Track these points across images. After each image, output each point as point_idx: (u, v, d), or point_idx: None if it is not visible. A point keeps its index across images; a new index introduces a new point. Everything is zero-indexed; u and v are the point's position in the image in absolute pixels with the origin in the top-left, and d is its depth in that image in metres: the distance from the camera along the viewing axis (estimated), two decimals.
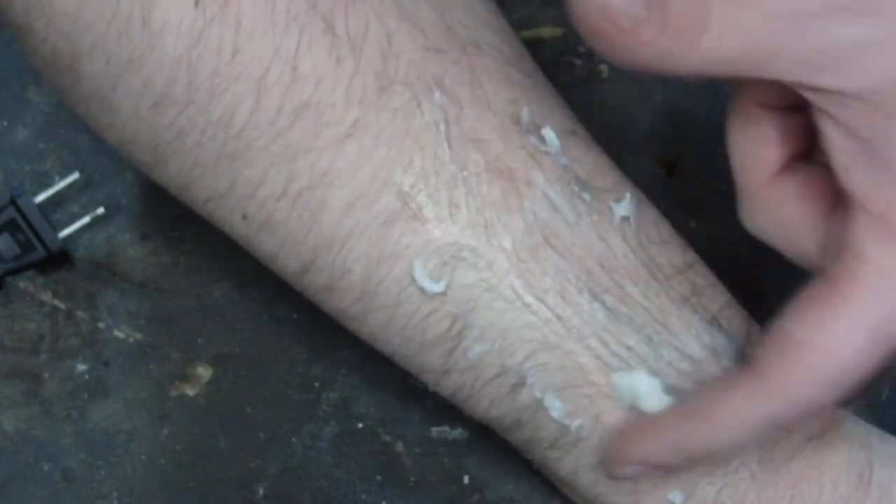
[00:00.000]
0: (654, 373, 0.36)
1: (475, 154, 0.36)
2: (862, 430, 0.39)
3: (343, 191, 0.35)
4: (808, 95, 0.30)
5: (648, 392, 0.36)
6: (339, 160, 0.35)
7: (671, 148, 0.48)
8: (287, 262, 0.38)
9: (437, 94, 0.36)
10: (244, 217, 0.37)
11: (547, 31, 0.49)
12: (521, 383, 0.37)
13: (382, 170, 0.35)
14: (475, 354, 0.37)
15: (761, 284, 0.47)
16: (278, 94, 0.35)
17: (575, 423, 0.37)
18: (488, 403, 0.38)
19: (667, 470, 0.36)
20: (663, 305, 0.37)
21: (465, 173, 0.36)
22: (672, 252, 0.38)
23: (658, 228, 0.38)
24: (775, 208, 0.34)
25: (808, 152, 0.34)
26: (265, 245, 0.38)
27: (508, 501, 0.44)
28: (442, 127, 0.36)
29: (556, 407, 0.37)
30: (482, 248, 0.36)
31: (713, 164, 0.48)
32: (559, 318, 0.36)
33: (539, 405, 0.37)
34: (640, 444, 0.35)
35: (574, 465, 0.38)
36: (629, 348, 0.36)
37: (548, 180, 0.36)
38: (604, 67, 0.49)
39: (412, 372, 0.39)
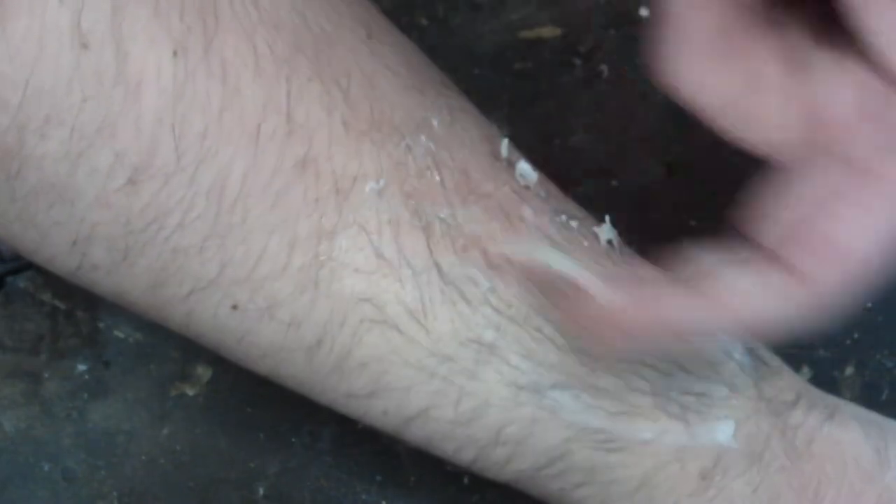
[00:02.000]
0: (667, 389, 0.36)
1: (471, 196, 0.35)
2: (866, 412, 0.39)
3: (349, 253, 0.33)
4: None
5: None
6: (342, 220, 0.33)
7: (671, 148, 0.48)
8: (290, 351, 0.34)
9: (423, 138, 0.34)
10: (234, 307, 0.33)
11: (547, 31, 0.49)
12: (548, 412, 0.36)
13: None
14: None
15: None
16: (274, 151, 0.31)
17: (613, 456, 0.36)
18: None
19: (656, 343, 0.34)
20: None
21: (465, 216, 0.34)
22: (647, 266, 0.38)
23: (629, 250, 0.38)
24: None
25: None
26: (262, 336, 0.34)
27: (508, 501, 0.44)
28: (435, 172, 0.34)
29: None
30: (490, 296, 0.34)
31: (713, 164, 0.48)
32: (579, 350, 0.35)
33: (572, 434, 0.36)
34: (638, 319, 0.32)
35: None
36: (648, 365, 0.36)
37: (535, 213, 0.35)
38: (604, 67, 0.49)
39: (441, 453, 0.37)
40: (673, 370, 0.36)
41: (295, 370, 0.35)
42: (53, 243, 0.32)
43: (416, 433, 0.36)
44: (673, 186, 0.48)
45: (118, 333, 0.47)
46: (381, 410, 0.35)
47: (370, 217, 0.33)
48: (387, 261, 0.33)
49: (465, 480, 0.44)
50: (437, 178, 0.34)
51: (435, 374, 0.34)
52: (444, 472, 0.44)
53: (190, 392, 0.46)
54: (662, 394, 0.36)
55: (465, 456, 0.37)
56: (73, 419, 0.45)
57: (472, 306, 0.34)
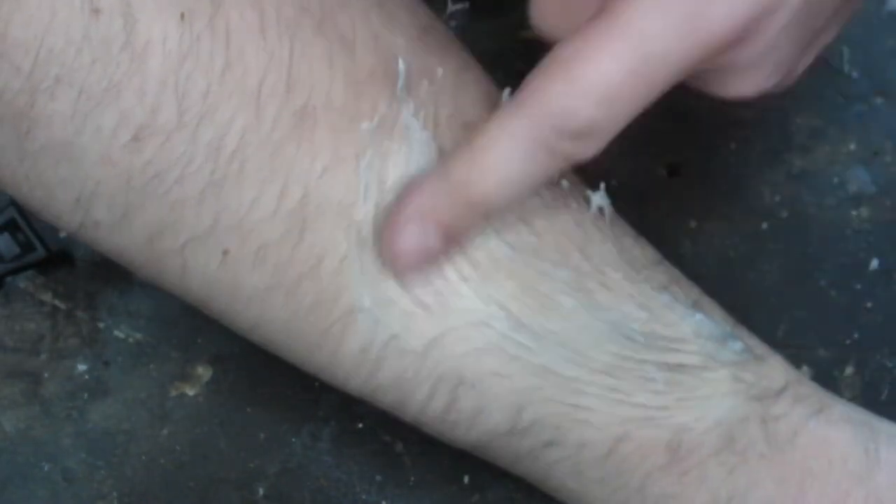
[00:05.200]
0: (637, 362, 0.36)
1: (461, 134, 0.35)
2: (860, 411, 0.39)
3: (336, 188, 0.34)
4: None
5: None
6: (333, 158, 0.34)
7: (671, 148, 0.48)
8: (272, 291, 0.35)
9: (426, 83, 0.35)
10: (226, 253, 0.34)
11: None
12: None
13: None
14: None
15: (760, 284, 0.47)
16: (274, 106, 0.32)
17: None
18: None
19: (448, 232, 0.34)
20: (645, 291, 0.37)
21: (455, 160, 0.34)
22: (643, 246, 0.39)
23: (626, 225, 0.39)
24: None
25: None
26: (249, 279, 0.35)
27: (508, 501, 0.44)
28: (431, 117, 0.35)
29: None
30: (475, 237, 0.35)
31: (713, 164, 0.48)
32: (543, 294, 0.36)
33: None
34: (414, 199, 0.33)
35: (572, 468, 0.38)
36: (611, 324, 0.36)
37: None
38: None
39: (396, 410, 0.38)
40: (636, 336, 0.36)
41: (276, 313, 0.36)
42: (59, 200, 0.33)
43: (387, 375, 0.36)
44: (673, 186, 0.48)
45: (118, 333, 0.47)
46: (357, 346, 0.36)
47: (361, 152, 0.34)
48: (371, 192, 0.34)
49: (465, 480, 0.44)
50: (433, 122, 0.35)
51: (404, 299, 0.35)
52: (444, 472, 0.44)
53: (190, 392, 0.46)
54: (624, 354, 0.36)
55: (438, 403, 0.37)
56: (73, 419, 0.45)
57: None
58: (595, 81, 0.30)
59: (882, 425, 0.39)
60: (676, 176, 0.48)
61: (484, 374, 0.36)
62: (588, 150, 0.31)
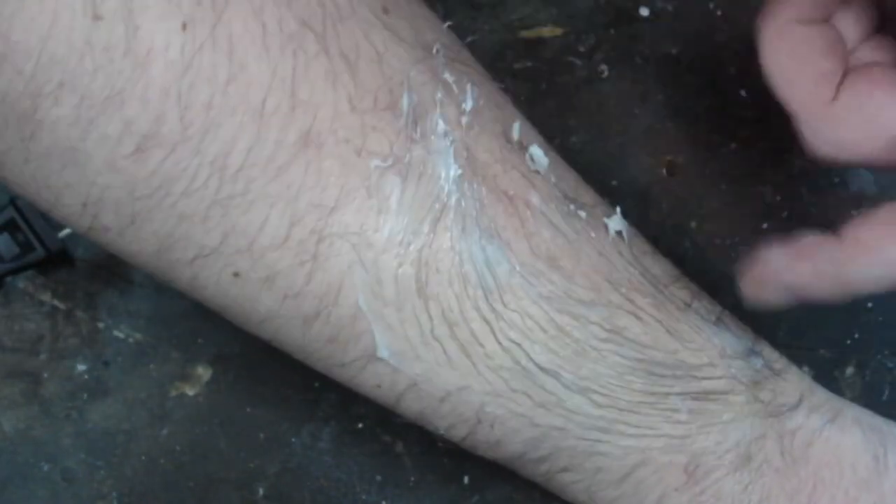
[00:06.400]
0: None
1: (477, 177, 0.35)
2: (869, 415, 0.39)
3: (349, 228, 0.33)
4: None
5: None
6: (343, 195, 0.33)
7: (671, 148, 0.48)
8: (287, 319, 0.35)
9: (436, 115, 0.34)
10: (236, 275, 0.34)
11: (547, 31, 0.49)
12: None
13: None
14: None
15: None
16: (278, 125, 0.32)
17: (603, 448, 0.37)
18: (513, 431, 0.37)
19: (800, 295, 0.35)
20: (671, 313, 0.37)
21: (469, 197, 0.34)
22: (662, 262, 0.38)
23: (642, 241, 0.39)
24: (856, 113, 0.33)
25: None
26: (261, 303, 0.34)
27: (508, 501, 0.44)
28: (442, 141, 0.34)
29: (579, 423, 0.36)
30: (487, 277, 0.34)
31: (713, 164, 0.48)
32: (576, 340, 0.35)
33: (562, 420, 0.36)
34: (791, 271, 0.34)
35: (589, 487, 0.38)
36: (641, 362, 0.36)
37: (543, 200, 0.35)
38: (604, 67, 0.49)
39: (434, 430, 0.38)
40: (664, 370, 0.36)
41: (292, 338, 0.35)
42: (66, 204, 0.33)
43: (409, 408, 0.36)
44: (673, 186, 0.48)
45: (118, 333, 0.47)
46: (374, 383, 0.36)
47: (372, 193, 0.33)
48: (387, 238, 0.33)
49: (465, 480, 0.44)
50: (445, 152, 0.34)
51: (426, 352, 0.34)
52: (444, 472, 0.44)
53: (190, 392, 0.46)
54: (651, 391, 0.36)
55: (457, 433, 0.37)
56: (72, 419, 0.45)
57: (469, 289, 0.34)
58: None
59: (890, 429, 0.39)
60: (676, 176, 0.48)
61: (505, 416, 0.36)
62: None
